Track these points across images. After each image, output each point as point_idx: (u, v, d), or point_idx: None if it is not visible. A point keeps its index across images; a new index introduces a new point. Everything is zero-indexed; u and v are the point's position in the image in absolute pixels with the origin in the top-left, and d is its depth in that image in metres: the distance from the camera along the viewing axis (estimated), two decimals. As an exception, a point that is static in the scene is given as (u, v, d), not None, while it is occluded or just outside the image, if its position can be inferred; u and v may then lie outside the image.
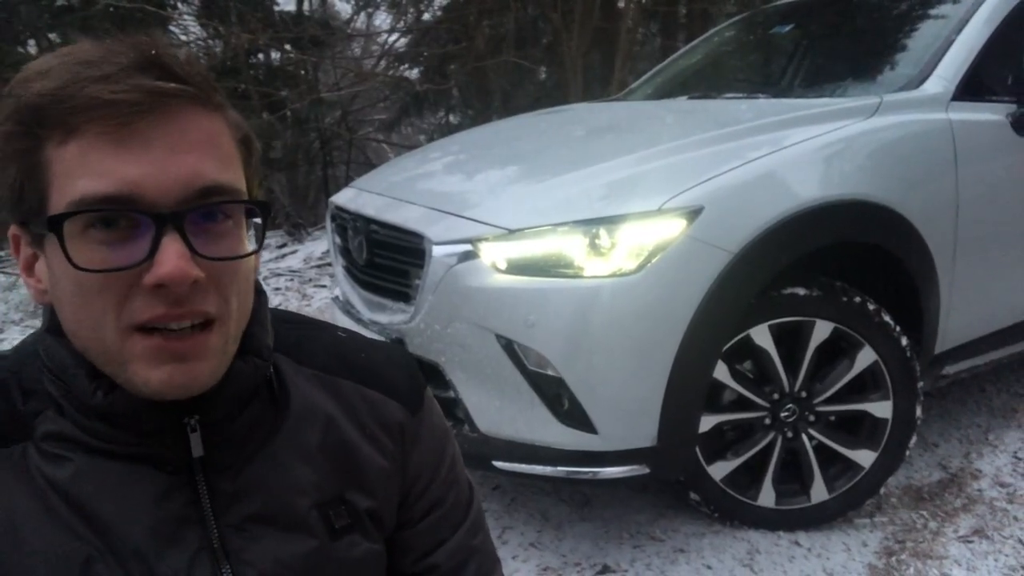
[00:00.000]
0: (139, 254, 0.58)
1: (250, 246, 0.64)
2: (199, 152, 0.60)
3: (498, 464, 1.90)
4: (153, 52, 0.58)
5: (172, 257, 0.57)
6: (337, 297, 2.57)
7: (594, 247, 1.79)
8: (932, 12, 2.63)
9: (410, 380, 0.81)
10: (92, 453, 0.64)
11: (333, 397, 0.75)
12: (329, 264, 5.06)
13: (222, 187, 0.61)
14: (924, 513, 2.17)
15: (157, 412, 0.63)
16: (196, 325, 0.60)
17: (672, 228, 1.78)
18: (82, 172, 0.57)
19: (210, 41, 6.88)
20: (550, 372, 1.80)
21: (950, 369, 2.32)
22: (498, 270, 1.84)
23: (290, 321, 0.80)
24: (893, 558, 1.98)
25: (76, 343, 0.62)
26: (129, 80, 0.57)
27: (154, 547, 0.64)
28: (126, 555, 0.63)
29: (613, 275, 1.77)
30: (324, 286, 4.73)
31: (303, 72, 7.07)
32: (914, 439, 2.11)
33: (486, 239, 1.87)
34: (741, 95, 2.76)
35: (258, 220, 0.66)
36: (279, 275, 5.02)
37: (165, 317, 0.59)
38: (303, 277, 5.00)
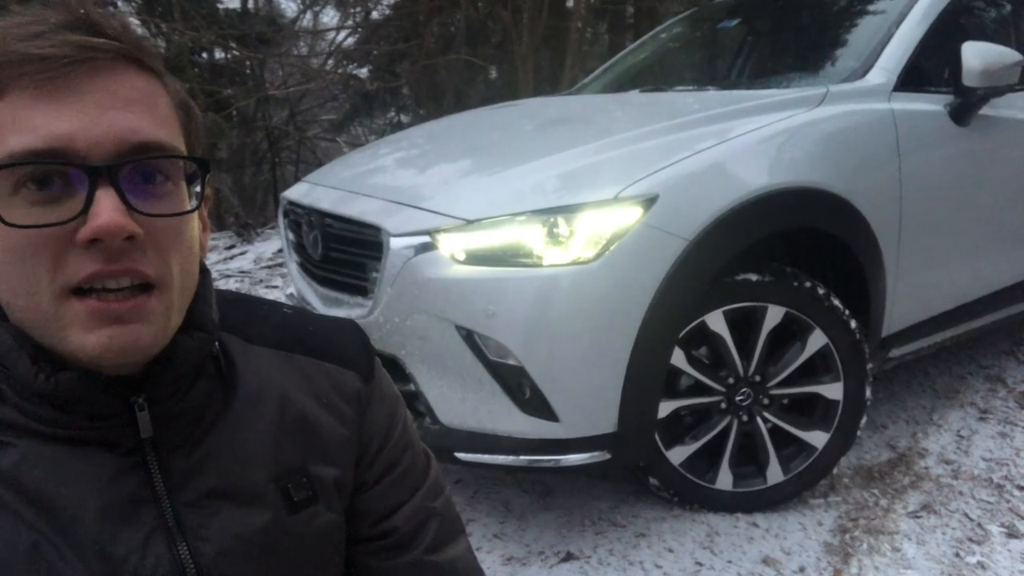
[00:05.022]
0: (74, 210, 0.57)
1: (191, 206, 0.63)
2: (133, 109, 0.59)
3: (460, 456, 1.89)
4: (82, 11, 0.58)
5: (107, 209, 0.56)
6: (292, 294, 2.53)
7: (552, 236, 1.80)
8: (872, 7, 2.72)
9: (362, 348, 0.82)
10: (38, 438, 0.62)
11: (287, 372, 0.75)
12: (280, 264, 4.98)
13: (159, 144, 0.60)
14: (875, 491, 2.24)
15: (103, 393, 0.61)
16: (136, 286, 0.59)
17: (629, 216, 1.80)
18: (12, 129, 0.56)
19: (152, 39, 6.72)
20: (511, 361, 1.80)
21: (896, 352, 2.40)
22: (457, 261, 1.84)
23: (235, 301, 0.79)
24: (847, 535, 2.04)
25: (13, 316, 0.60)
26: (57, 36, 0.56)
27: (107, 529, 0.62)
28: (78, 539, 0.61)
29: (572, 263, 1.78)
30: (276, 287, 4.64)
31: (248, 69, 6.94)
32: (864, 420, 2.18)
33: (444, 230, 1.86)
34: (692, 87, 2.80)
35: (197, 189, 0.65)
36: (228, 276, 4.91)
37: (101, 274, 0.57)
38: (254, 278, 4.90)
